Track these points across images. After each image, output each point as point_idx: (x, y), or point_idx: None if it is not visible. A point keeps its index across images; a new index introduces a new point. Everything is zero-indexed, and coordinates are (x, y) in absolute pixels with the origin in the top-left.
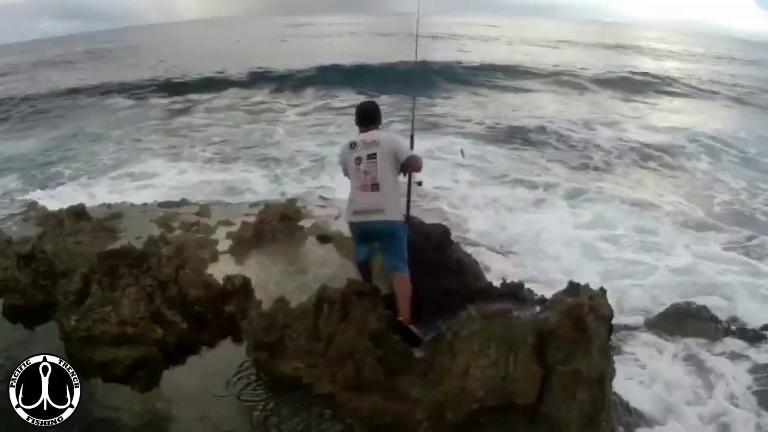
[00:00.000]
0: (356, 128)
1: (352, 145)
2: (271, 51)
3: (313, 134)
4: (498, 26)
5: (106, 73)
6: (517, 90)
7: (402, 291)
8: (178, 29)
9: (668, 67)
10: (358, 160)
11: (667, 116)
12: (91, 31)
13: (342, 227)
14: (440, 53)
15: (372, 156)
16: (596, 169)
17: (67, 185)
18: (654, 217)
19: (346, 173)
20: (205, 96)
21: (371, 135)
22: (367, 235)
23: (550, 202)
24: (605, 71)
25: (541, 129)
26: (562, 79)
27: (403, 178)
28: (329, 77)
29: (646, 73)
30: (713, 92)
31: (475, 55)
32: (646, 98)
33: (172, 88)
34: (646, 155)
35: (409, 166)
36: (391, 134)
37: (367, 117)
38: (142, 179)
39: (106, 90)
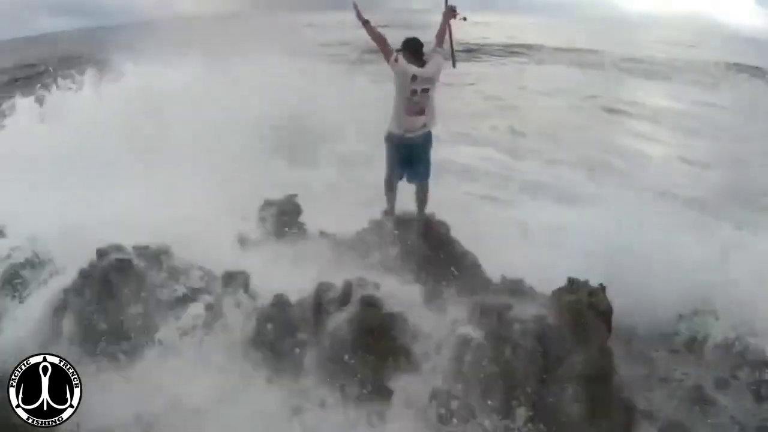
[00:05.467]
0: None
1: (414, 78)
2: None
3: None
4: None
5: None
6: None
7: (423, 196)
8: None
9: None
10: (414, 92)
11: None
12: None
13: (343, 224)
14: None
15: (426, 90)
16: None
17: None
18: None
19: (388, 52)
20: None
21: (428, 71)
22: (406, 149)
23: None
24: None
25: None
26: None
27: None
28: None
29: None
30: None
31: None
32: None
33: None
34: None
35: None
36: (436, 63)
37: (416, 49)
38: None
39: None
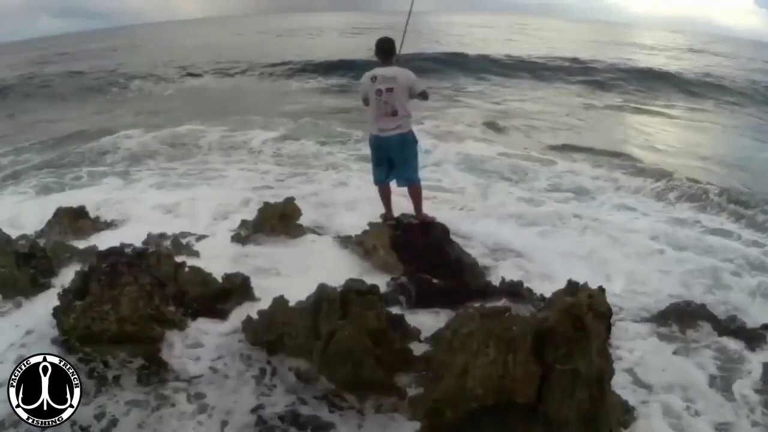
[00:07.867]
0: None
1: (374, 78)
2: None
3: None
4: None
5: None
6: None
7: (417, 197)
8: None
9: None
10: (379, 92)
11: None
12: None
13: (342, 226)
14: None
15: (390, 89)
16: None
17: None
18: None
19: (366, 101)
20: None
21: (390, 70)
22: (384, 151)
23: None
24: None
25: None
26: None
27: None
28: None
29: None
30: None
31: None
32: None
33: None
34: None
35: (419, 97)
36: (406, 71)
37: (385, 51)
38: None
39: None
